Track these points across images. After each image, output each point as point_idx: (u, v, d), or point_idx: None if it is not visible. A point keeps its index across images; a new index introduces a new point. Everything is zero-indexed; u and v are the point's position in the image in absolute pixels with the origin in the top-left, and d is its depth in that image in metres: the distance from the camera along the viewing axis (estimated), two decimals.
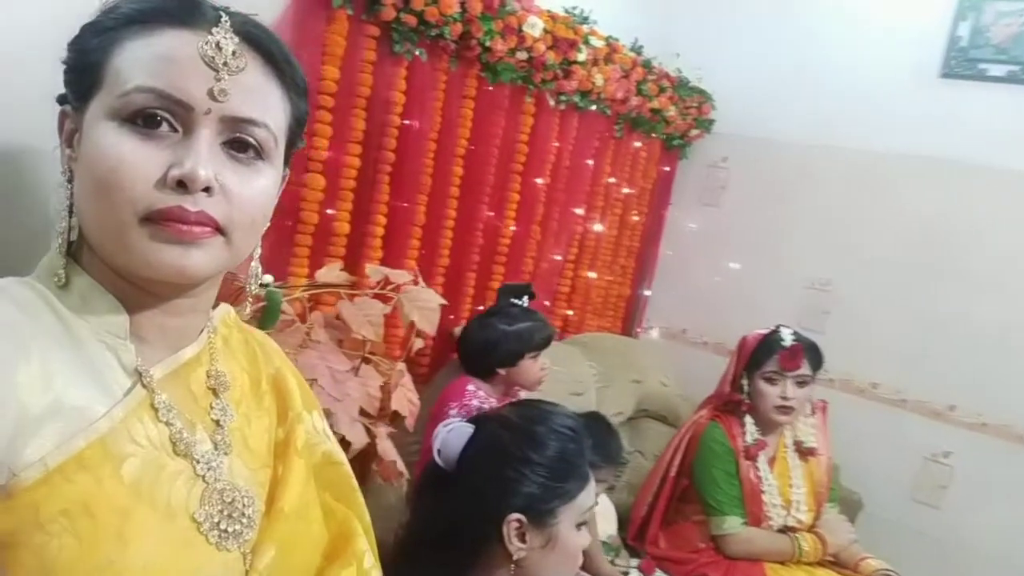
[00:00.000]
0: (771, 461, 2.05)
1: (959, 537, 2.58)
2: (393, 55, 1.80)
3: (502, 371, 1.83)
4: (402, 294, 1.44)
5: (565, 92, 2.28)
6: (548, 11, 2.12)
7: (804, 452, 2.09)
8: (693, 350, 3.14)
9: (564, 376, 2.20)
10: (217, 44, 0.60)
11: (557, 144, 2.38)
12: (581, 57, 2.22)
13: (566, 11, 2.24)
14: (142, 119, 0.60)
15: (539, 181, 2.35)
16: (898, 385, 2.73)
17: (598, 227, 2.69)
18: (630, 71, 2.47)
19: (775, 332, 2.08)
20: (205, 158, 0.60)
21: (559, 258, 2.56)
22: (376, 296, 1.43)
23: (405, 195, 1.95)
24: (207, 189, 0.60)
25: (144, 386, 0.64)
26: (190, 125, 0.60)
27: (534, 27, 2.02)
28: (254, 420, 0.75)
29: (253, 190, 0.64)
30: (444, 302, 1.45)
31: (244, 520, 0.67)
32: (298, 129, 0.71)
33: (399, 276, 1.45)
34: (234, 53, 0.61)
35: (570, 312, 2.72)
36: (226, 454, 0.69)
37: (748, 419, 2.05)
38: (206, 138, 0.60)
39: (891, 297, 2.73)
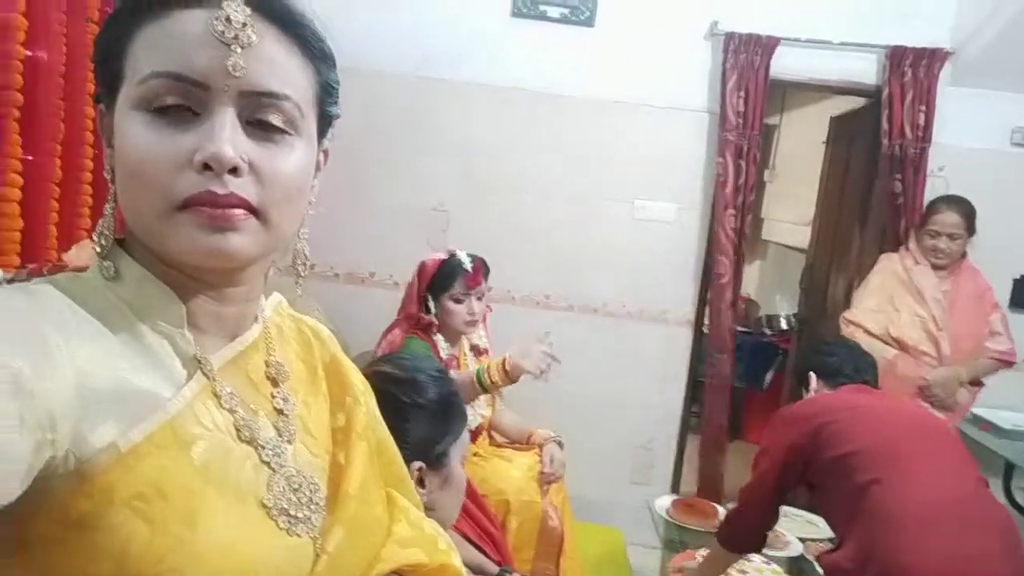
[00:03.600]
0: (457, 367, 2.29)
1: (562, 399, 3.22)
2: None
3: None
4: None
5: None
6: None
7: (479, 353, 2.37)
8: (327, 284, 3.19)
9: None
10: (227, 18, 0.58)
11: None
12: None
13: None
14: (164, 106, 0.58)
15: None
16: (508, 286, 3.22)
17: None
18: None
19: (453, 256, 2.27)
20: (228, 137, 0.58)
21: None
22: None
23: (38, 145, 1.57)
24: (235, 170, 0.58)
25: (205, 374, 0.63)
26: (210, 105, 0.58)
27: None
28: (313, 407, 0.74)
29: (285, 165, 0.61)
30: None
31: (312, 506, 0.67)
32: (327, 98, 0.68)
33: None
34: (245, 25, 0.58)
35: None
36: (289, 441, 0.68)
37: (439, 337, 2.23)
38: (228, 116, 0.58)
39: (491, 212, 3.17)
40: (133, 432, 0.55)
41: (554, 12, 3.08)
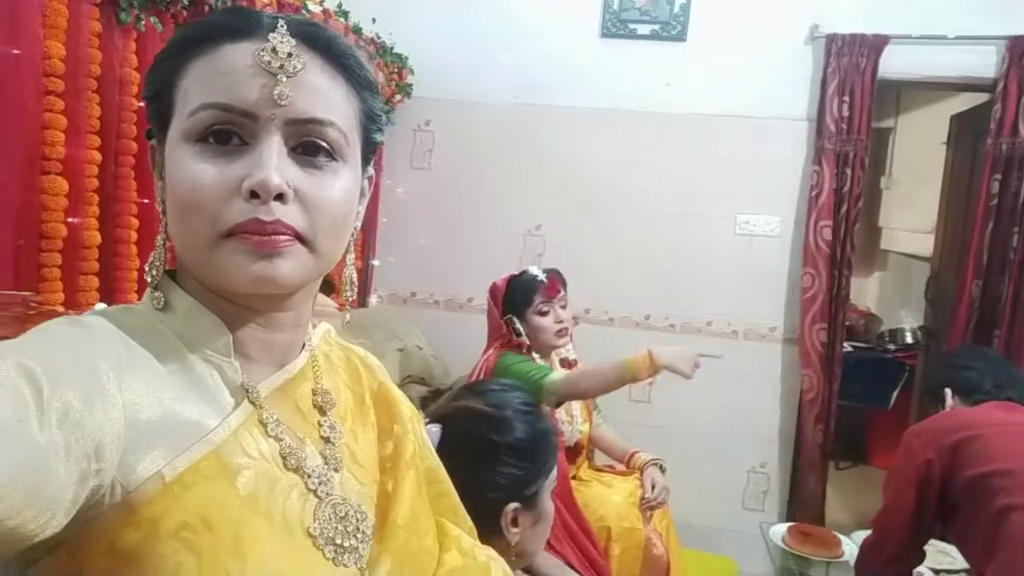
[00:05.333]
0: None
1: (667, 422, 3.13)
2: (120, 26, 1.53)
3: None
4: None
5: None
6: None
7: (569, 366, 2.34)
8: (426, 311, 3.25)
9: None
10: (273, 48, 0.59)
11: None
12: None
13: None
14: (213, 136, 0.59)
15: None
16: (607, 307, 3.17)
17: None
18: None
19: (524, 272, 2.27)
20: (274, 164, 0.59)
21: None
22: None
23: (151, 190, 1.69)
24: (280, 196, 0.59)
25: (251, 402, 0.64)
26: (257, 134, 0.60)
27: None
28: (360, 436, 0.74)
29: (330, 192, 0.62)
30: (337, 306, 1.31)
31: (359, 535, 0.66)
32: (372, 125, 0.68)
33: None
34: (290, 55, 0.60)
35: None
36: (336, 470, 0.68)
37: (534, 355, 2.22)
38: (274, 144, 0.60)
39: (589, 233, 3.14)
40: (178, 462, 0.56)
41: (643, 29, 3.05)
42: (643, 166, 3.11)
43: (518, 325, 2.23)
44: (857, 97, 2.87)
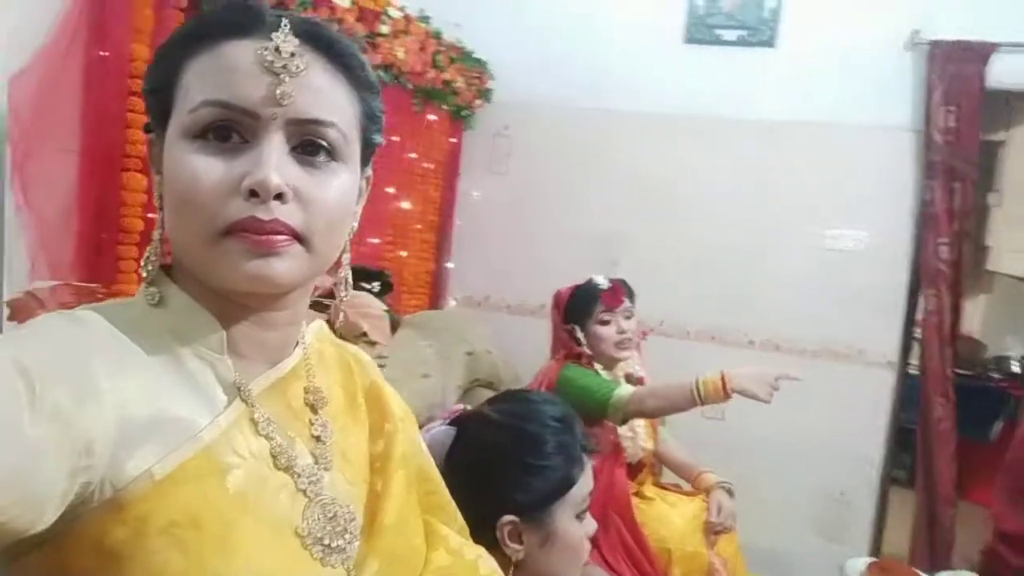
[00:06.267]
0: None
1: (740, 441, 3.01)
2: None
3: None
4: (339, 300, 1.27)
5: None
6: None
7: (635, 382, 2.27)
8: (499, 315, 3.25)
9: (410, 360, 2.15)
10: (276, 48, 0.59)
11: None
12: (384, 29, 2.14)
13: None
14: (213, 133, 0.60)
15: None
16: (682, 320, 3.08)
17: (406, 205, 2.64)
18: (424, 43, 2.44)
19: (588, 281, 2.22)
20: (274, 164, 0.59)
21: (376, 240, 2.47)
22: (311, 306, 1.25)
23: None
24: (280, 196, 0.59)
25: (243, 400, 0.64)
26: (258, 133, 0.60)
27: None
28: (351, 434, 0.73)
29: (329, 192, 0.62)
30: (386, 307, 1.31)
31: (347, 536, 0.66)
32: (372, 126, 0.68)
33: (322, 279, 1.27)
34: (293, 54, 0.60)
35: None
36: (327, 469, 0.68)
37: (596, 366, 2.17)
38: (275, 144, 0.60)
39: (666, 243, 3.06)
40: (168, 460, 0.56)
41: (730, 35, 2.95)
42: (725, 175, 3.00)
43: (579, 334, 2.19)
44: (964, 108, 2.69)
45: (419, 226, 2.85)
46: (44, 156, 1.33)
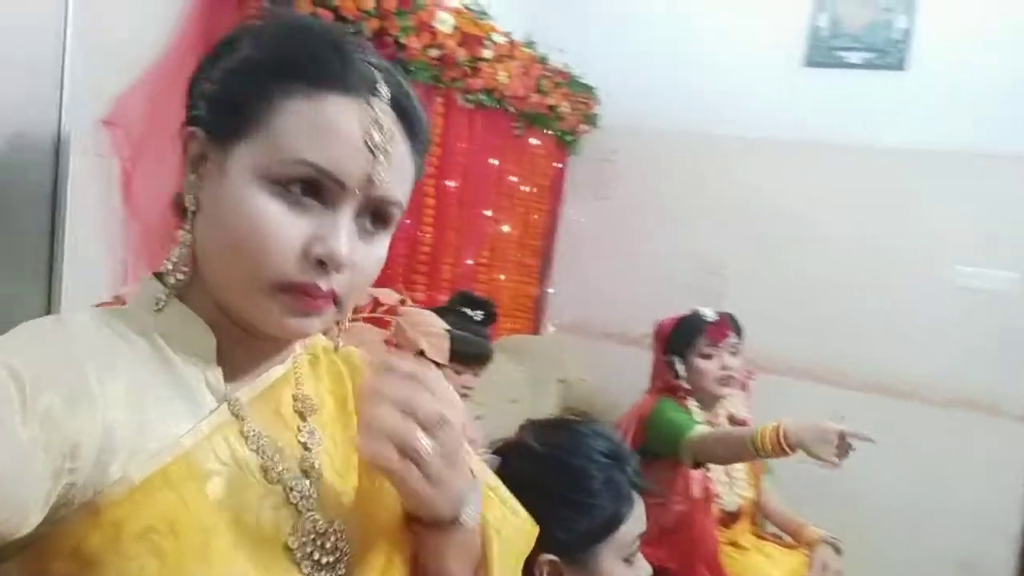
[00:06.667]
0: None
1: (857, 491, 2.76)
2: None
3: None
4: (399, 317, 1.27)
5: (472, 90, 2.20)
6: (452, 7, 2.03)
7: (737, 423, 2.13)
8: (599, 343, 3.17)
9: (499, 384, 2.13)
10: (377, 121, 0.59)
11: (464, 145, 2.29)
12: (487, 54, 2.15)
13: (464, 7, 2.16)
14: (298, 186, 0.58)
15: (450, 184, 2.25)
16: (792, 357, 2.89)
17: (506, 228, 2.63)
18: (529, 67, 2.44)
19: (694, 313, 2.12)
20: (348, 239, 0.59)
21: (471, 262, 2.47)
22: (368, 320, 1.26)
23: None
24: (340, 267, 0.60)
25: (230, 407, 0.63)
26: (338, 201, 0.59)
27: (444, 22, 1.93)
28: (340, 442, 0.72)
29: (374, 260, 0.64)
30: (447, 326, 1.31)
31: (337, 553, 0.64)
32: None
33: (388, 296, 1.28)
34: (394, 136, 0.60)
35: None
36: (315, 480, 0.67)
37: (692, 402, 2.07)
38: (350, 215, 0.60)
39: (778, 277, 2.89)
40: (148, 465, 0.55)
41: (855, 58, 2.78)
42: (844, 206, 2.81)
43: (678, 366, 2.08)
44: None
45: (519, 250, 2.83)
46: (149, 170, 1.40)
